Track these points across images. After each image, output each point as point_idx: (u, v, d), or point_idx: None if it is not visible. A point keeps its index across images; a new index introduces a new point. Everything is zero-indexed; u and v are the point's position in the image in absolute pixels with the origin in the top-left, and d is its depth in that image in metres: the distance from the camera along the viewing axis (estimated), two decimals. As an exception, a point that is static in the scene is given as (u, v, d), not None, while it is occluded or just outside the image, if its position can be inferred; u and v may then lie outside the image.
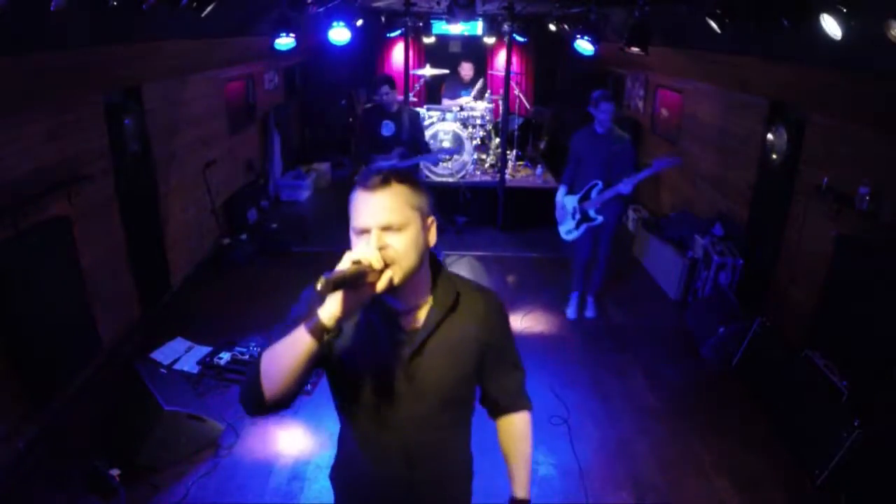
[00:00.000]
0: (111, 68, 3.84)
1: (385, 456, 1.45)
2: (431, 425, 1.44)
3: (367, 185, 1.26)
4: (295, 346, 1.19)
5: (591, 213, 4.56)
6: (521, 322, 4.90)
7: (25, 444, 3.18)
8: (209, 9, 3.39)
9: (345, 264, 1.17)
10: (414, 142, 5.03)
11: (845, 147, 3.72)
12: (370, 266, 1.18)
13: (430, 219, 1.36)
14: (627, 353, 4.49)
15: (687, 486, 3.23)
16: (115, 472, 3.01)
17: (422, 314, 1.40)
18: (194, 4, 3.30)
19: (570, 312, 4.99)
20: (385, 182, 1.27)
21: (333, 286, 1.12)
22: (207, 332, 4.44)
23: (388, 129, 4.93)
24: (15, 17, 2.32)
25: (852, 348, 3.44)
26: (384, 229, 1.24)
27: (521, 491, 1.59)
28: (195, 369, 4.04)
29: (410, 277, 1.29)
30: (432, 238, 1.36)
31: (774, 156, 4.47)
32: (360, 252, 1.19)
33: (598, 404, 3.83)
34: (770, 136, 4.51)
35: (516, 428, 1.61)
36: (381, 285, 1.22)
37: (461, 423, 1.54)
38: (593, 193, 4.51)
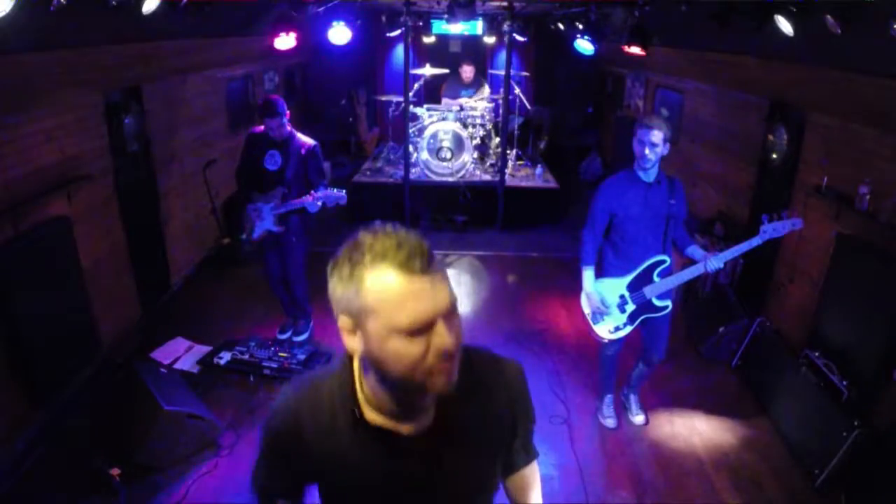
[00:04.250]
0: (111, 68, 3.84)
1: None
2: None
3: (413, 266, 0.92)
4: None
5: (656, 300, 3.23)
6: (518, 322, 4.90)
7: (25, 444, 3.18)
8: (209, 9, 3.39)
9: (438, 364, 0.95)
10: (302, 180, 3.99)
11: (845, 147, 3.72)
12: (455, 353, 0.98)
13: None
14: (627, 353, 4.49)
15: (687, 486, 3.23)
16: (115, 472, 3.01)
17: (429, 416, 1.09)
18: (194, 4, 3.30)
19: (611, 422, 3.67)
20: (429, 256, 0.95)
21: None
22: (207, 332, 4.45)
23: (273, 161, 3.95)
24: (15, 17, 2.32)
25: (852, 348, 3.44)
26: (450, 315, 0.96)
27: None
28: (195, 369, 4.04)
29: None
30: None
31: (774, 156, 4.47)
32: (453, 342, 0.95)
33: (597, 405, 3.82)
34: (770, 136, 4.51)
35: (526, 480, 1.35)
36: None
37: None
38: (657, 275, 3.18)
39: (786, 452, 3.44)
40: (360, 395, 1.08)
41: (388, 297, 0.92)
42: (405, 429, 1.07)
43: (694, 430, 3.65)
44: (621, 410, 3.79)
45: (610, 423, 3.67)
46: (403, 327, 0.92)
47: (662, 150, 3.00)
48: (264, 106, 3.86)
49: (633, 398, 3.78)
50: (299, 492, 1.25)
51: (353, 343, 0.99)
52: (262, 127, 3.96)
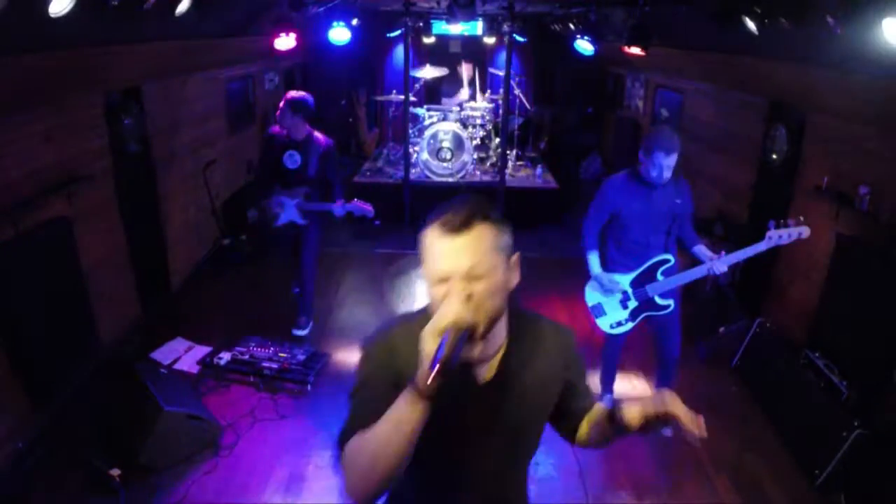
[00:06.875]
0: (111, 68, 3.84)
1: None
2: (504, 478, 1.40)
3: (447, 227, 1.15)
4: (401, 426, 1.10)
5: (658, 298, 3.26)
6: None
7: (25, 444, 3.17)
8: (209, 9, 3.39)
9: (432, 337, 1.08)
10: (324, 180, 4.22)
11: (845, 147, 3.72)
12: (464, 326, 1.10)
13: (515, 257, 1.24)
14: (626, 353, 4.48)
15: (687, 486, 3.23)
16: (115, 472, 3.01)
17: (496, 361, 1.30)
18: (195, 4, 3.30)
19: None
20: (467, 224, 1.15)
21: (441, 376, 1.05)
22: (207, 332, 4.45)
23: (292, 160, 4.13)
24: (15, 17, 2.32)
25: (852, 348, 3.44)
26: (468, 277, 1.14)
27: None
28: (195, 369, 4.04)
29: (492, 326, 1.21)
30: (516, 278, 1.25)
31: (774, 156, 4.47)
32: (449, 314, 1.09)
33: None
34: (770, 136, 4.51)
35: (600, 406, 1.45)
36: (473, 346, 1.16)
37: (526, 468, 1.48)
38: (661, 273, 3.21)
39: (786, 452, 3.44)
40: None
41: (426, 251, 1.19)
42: (477, 373, 1.28)
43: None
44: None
45: None
46: (430, 275, 1.18)
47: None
48: (302, 103, 4.00)
49: None
50: None
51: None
52: (277, 128, 4.14)
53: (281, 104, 4.04)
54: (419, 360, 1.08)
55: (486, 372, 1.29)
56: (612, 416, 1.33)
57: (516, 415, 1.31)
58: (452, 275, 1.14)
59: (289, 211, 4.23)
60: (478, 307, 1.14)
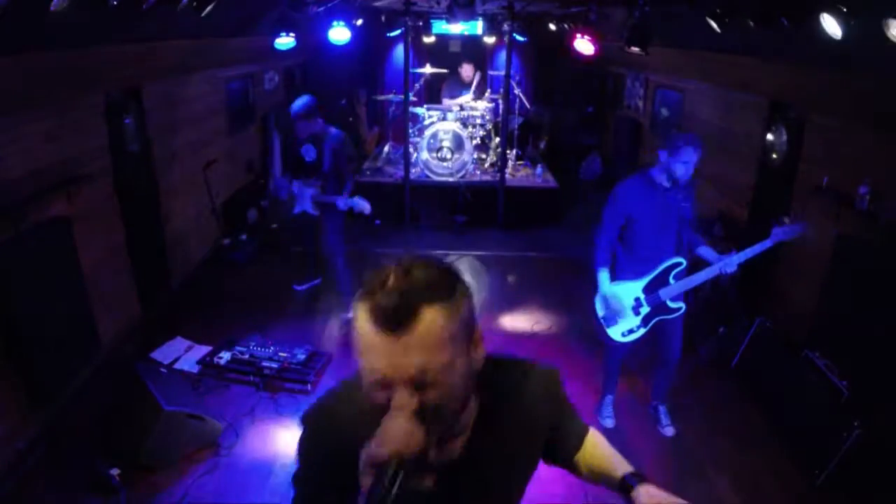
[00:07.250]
0: (111, 68, 3.84)
1: None
2: None
3: (381, 321, 0.83)
4: None
5: (670, 302, 3.24)
6: (518, 322, 4.90)
7: (25, 444, 3.18)
8: (209, 8, 3.39)
9: (370, 470, 0.83)
10: (337, 172, 4.44)
11: (845, 147, 3.72)
12: (413, 453, 0.84)
13: (477, 333, 0.96)
14: (636, 362, 4.47)
15: (687, 486, 3.23)
16: (115, 472, 3.02)
17: (466, 436, 1.04)
18: (194, 4, 3.30)
19: (610, 422, 3.67)
20: (409, 315, 0.83)
21: None
22: (207, 332, 4.44)
23: (309, 154, 4.44)
24: (15, 17, 2.32)
25: (852, 348, 3.44)
26: (416, 385, 0.85)
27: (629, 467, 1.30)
28: (195, 369, 4.04)
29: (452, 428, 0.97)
30: (480, 353, 0.97)
31: (774, 156, 4.47)
32: (391, 441, 0.83)
33: (597, 404, 3.82)
34: (770, 136, 4.51)
35: (595, 440, 1.36)
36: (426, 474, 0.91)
37: None
38: (672, 277, 3.19)
39: (786, 452, 3.44)
40: None
41: (358, 337, 0.87)
42: (438, 457, 0.96)
43: (694, 431, 3.65)
44: (623, 413, 3.78)
45: (608, 423, 3.66)
46: (365, 373, 0.87)
47: None
48: (310, 108, 4.24)
49: (661, 409, 3.68)
50: None
51: None
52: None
53: (296, 121, 4.24)
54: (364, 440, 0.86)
55: (455, 450, 1.03)
56: (623, 489, 1.24)
57: (496, 485, 1.10)
58: (394, 383, 0.85)
59: (303, 201, 4.52)
60: (431, 423, 0.86)
